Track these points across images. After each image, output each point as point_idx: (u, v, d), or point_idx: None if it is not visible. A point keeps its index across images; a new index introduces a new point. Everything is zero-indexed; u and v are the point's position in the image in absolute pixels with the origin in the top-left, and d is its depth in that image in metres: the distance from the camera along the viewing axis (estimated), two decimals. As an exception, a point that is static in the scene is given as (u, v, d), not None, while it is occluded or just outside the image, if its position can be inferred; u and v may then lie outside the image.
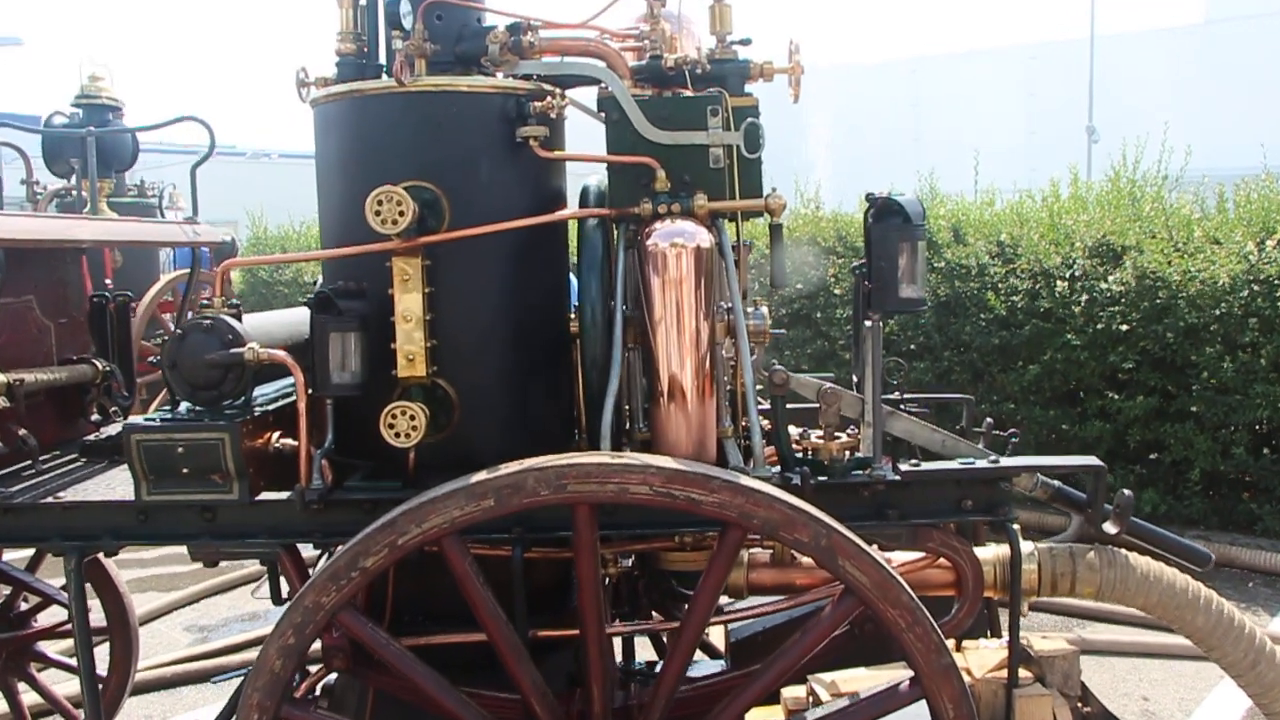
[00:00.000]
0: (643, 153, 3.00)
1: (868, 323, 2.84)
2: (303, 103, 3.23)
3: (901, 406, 3.55)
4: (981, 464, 2.84)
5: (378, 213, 2.76)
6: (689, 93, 3.10)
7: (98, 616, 4.85)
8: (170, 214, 12.49)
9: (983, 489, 2.85)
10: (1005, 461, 2.84)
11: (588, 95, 3.26)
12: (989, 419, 3.87)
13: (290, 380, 3.02)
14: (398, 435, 2.82)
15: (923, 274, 2.72)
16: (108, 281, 10.27)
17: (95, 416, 3.96)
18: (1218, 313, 7.21)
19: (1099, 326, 7.63)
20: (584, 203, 3.16)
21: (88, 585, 4.74)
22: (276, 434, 3.09)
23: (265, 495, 2.95)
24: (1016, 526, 2.85)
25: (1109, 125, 27.52)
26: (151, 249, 12.01)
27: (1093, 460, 2.90)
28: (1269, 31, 28.46)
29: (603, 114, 3.08)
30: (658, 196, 2.96)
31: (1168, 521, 7.58)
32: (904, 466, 2.80)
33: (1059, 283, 7.85)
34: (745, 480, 2.45)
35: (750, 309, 3.13)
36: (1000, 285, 8.15)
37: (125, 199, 11.81)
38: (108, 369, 3.88)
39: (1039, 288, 7.97)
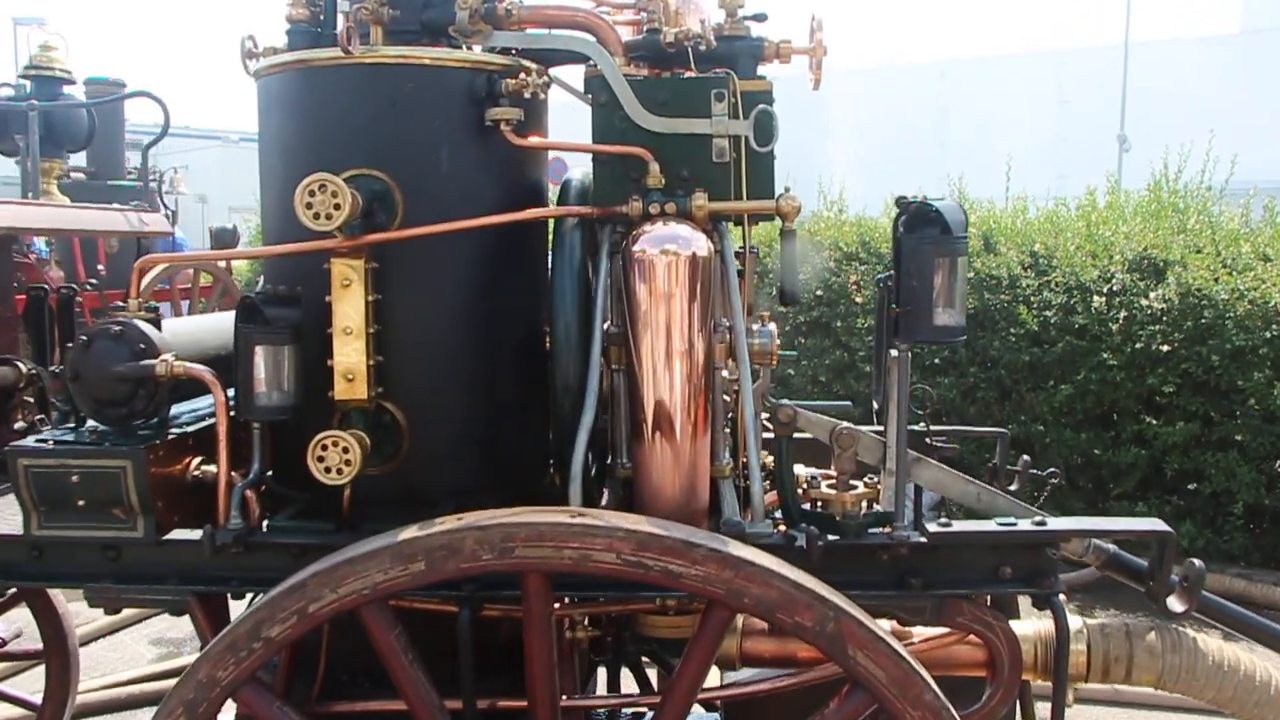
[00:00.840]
0: (633, 142, 2.56)
1: (893, 352, 2.37)
2: (248, 75, 2.79)
3: (928, 440, 3.09)
4: (1025, 525, 2.37)
5: (309, 205, 2.31)
6: (691, 74, 2.65)
7: (33, 633, 4.44)
8: (169, 199, 12.12)
9: (1025, 555, 2.38)
10: (1053, 523, 2.37)
11: (576, 75, 2.82)
12: (1025, 456, 3.41)
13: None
14: (328, 470, 2.38)
15: (963, 296, 2.25)
16: (100, 268, 9.89)
17: (19, 425, 3.53)
18: (1268, 335, 6.70)
19: (1138, 346, 7.12)
20: (563, 199, 2.71)
21: (22, 604, 4.35)
22: (198, 460, 2.66)
23: (175, 534, 2.51)
24: (1063, 599, 2.39)
25: (1140, 134, 26.94)
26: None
27: (1157, 524, 2.42)
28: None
29: (589, 96, 2.63)
30: (649, 194, 2.53)
31: (1205, 556, 7.07)
32: (932, 526, 2.33)
33: (1096, 298, 7.34)
34: (735, 549, 1.99)
35: (756, 326, 2.70)
36: (1033, 299, 7.64)
37: (124, 181, 11.44)
38: (32, 371, 3.45)
39: (1074, 302, 7.46)
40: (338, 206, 2.29)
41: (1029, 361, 7.60)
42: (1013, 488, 3.26)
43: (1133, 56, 31.47)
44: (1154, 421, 7.21)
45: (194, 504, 2.63)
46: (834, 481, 2.48)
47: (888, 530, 2.36)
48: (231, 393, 2.53)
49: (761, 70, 2.74)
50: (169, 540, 2.49)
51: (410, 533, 2.00)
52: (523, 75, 2.52)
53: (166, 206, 12.16)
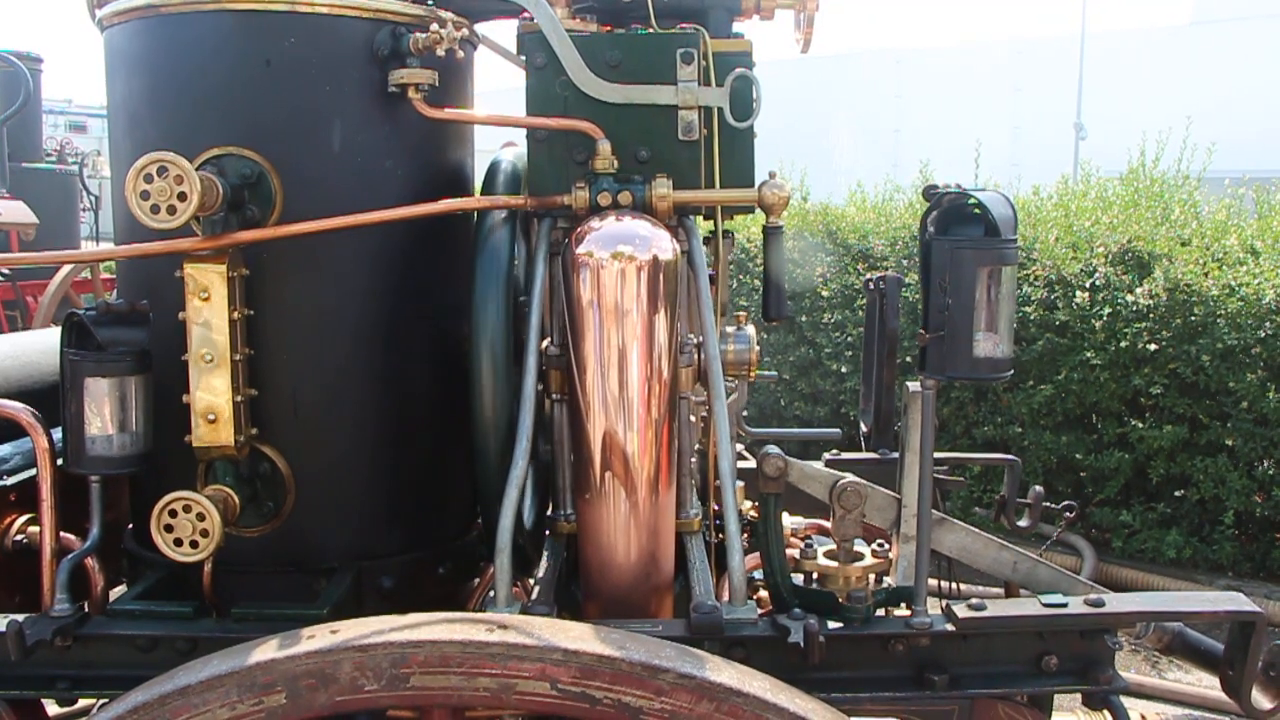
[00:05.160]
0: (579, 115, 2.04)
1: (914, 386, 1.85)
2: (94, 24, 2.22)
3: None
4: (1077, 605, 1.87)
5: (145, 194, 1.74)
6: (652, 30, 2.12)
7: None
8: (92, 183, 11.42)
9: (1076, 642, 1.88)
10: (1114, 604, 1.87)
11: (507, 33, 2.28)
12: (1038, 488, 2.92)
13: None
14: (179, 544, 1.82)
15: (1010, 319, 1.73)
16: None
17: None
18: (1261, 334, 6.29)
19: (1122, 344, 6.71)
20: (489, 186, 2.16)
21: None
22: (21, 519, 2.09)
23: (-19, 621, 1.94)
24: (1124, 701, 1.89)
25: (1095, 123, 26.82)
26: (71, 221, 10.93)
27: (1241, 601, 1.93)
28: (1254, 34, 27.84)
29: (523, 57, 2.09)
30: (598, 181, 2.02)
31: (1192, 567, 6.75)
32: (961, 610, 1.81)
33: (1078, 293, 6.90)
34: (713, 671, 1.45)
35: (732, 329, 2.20)
36: (1010, 293, 7.19)
37: (41, 164, 10.76)
38: None
39: (1055, 298, 7.03)
40: (183, 196, 1.73)
41: (1006, 360, 7.16)
42: (1023, 523, 2.79)
43: (1087, 46, 31.38)
44: (1139, 424, 6.82)
45: (19, 575, 2.06)
46: (835, 549, 1.96)
47: (905, 615, 1.85)
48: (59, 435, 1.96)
49: (738, 27, 2.22)
50: None
51: (268, 652, 1.45)
52: (436, 28, 1.97)
53: (89, 191, 11.46)
